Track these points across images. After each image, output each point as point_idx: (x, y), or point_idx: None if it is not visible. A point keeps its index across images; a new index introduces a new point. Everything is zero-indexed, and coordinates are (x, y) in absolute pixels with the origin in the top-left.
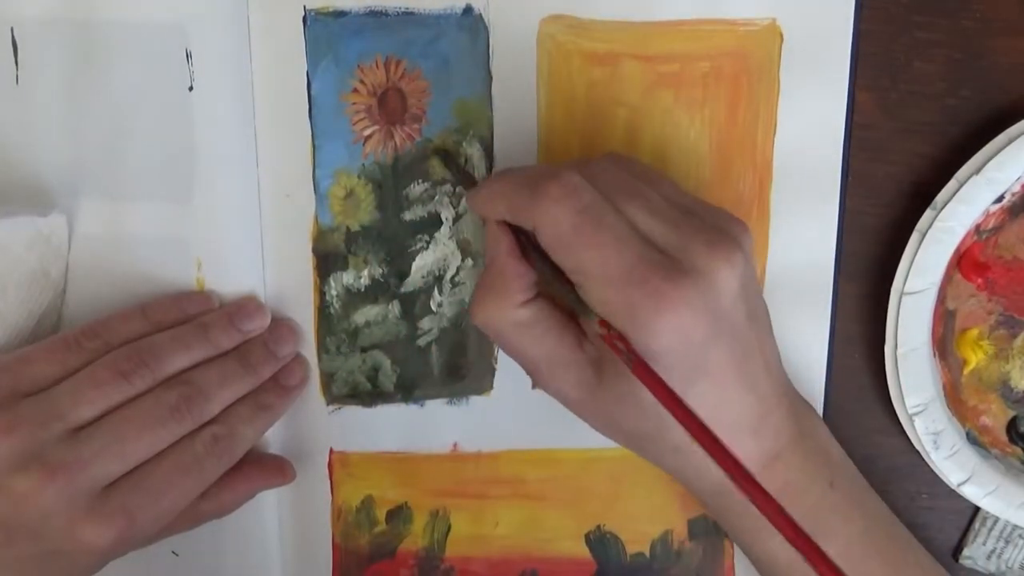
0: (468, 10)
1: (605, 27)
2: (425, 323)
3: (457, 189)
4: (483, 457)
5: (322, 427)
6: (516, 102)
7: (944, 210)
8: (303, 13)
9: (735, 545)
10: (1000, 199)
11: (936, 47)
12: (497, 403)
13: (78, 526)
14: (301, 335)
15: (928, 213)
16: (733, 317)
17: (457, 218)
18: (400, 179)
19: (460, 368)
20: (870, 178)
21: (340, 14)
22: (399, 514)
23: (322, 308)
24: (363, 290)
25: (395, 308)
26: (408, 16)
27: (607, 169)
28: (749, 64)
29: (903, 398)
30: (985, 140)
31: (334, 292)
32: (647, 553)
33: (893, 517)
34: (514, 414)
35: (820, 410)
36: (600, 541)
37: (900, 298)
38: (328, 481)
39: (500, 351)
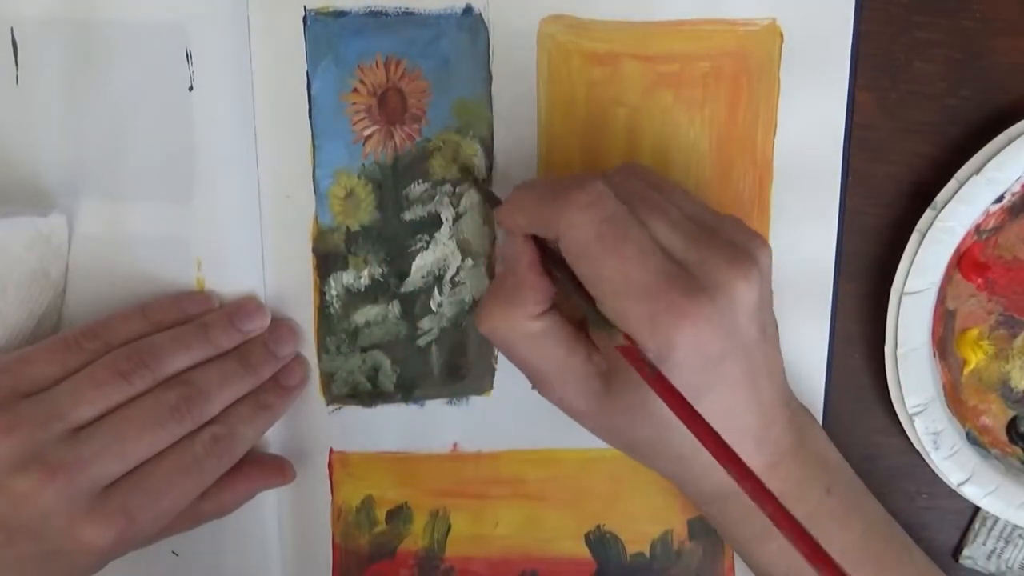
0: (468, 10)
1: (605, 27)
2: (425, 323)
3: (457, 189)
4: (483, 457)
5: (322, 427)
6: (516, 102)
7: (944, 210)
8: (303, 13)
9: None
10: (1000, 199)
11: (936, 47)
12: (497, 403)
13: (78, 526)
14: (301, 335)
15: (928, 213)
16: (747, 333)
17: (457, 218)
18: (400, 179)
19: (460, 368)
20: (870, 178)
21: (340, 14)
22: (399, 514)
23: (322, 308)
24: (363, 290)
25: (395, 308)
26: (408, 16)
27: (627, 180)
28: (749, 64)
29: (903, 398)
30: (985, 140)
31: (334, 292)
32: (647, 553)
33: (891, 520)
34: (514, 414)
35: (820, 410)
36: (600, 541)
37: (900, 298)
38: (328, 481)
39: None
